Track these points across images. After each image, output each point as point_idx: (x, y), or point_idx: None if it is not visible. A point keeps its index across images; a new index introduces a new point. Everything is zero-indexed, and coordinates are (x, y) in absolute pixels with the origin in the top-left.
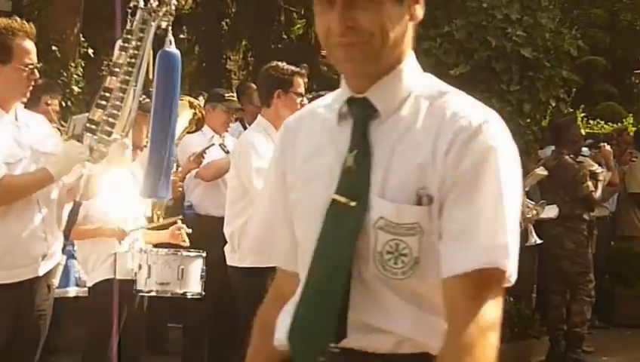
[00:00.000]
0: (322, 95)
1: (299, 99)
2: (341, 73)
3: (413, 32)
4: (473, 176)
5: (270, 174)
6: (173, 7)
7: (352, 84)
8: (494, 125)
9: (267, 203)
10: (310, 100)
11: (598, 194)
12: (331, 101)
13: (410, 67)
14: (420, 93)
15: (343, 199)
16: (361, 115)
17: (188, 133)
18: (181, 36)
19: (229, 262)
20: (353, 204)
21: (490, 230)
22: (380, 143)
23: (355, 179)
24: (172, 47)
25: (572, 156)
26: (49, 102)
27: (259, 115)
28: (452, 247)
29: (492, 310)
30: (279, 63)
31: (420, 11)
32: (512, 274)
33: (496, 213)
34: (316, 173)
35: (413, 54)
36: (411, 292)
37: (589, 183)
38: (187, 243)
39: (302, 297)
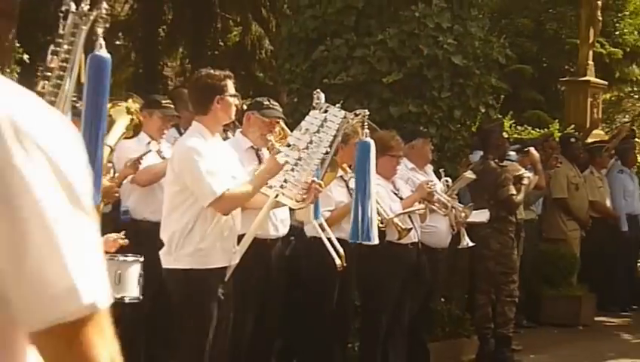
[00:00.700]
0: (259, 101)
1: (233, 101)
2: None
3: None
4: None
5: None
6: (104, 11)
7: None
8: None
9: None
10: (249, 106)
11: (519, 197)
12: None
13: None
14: None
15: None
16: None
17: (125, 138)
18: (117, 42)
19: (164, 265)
20: None
21: (51, 268)
22: None
23: None
24: (102, 51)
25: (496, 161)
26: None
27: (194, 121)
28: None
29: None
30: (210, 70)
31: None
32: (102, 301)
33: (49, 240)
34: None
35: None
36: None
37: (510, 187)
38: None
39: None
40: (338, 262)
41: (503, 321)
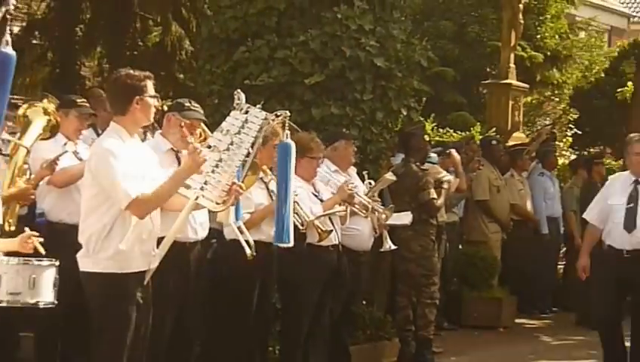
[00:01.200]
0: (180, 102)
1: (153, 102)
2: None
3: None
4: None
5: None
6: (12, 7)
7: None
8: None
9: None
10: (169, 107)
11: (440, 201)
12: None
13: None
14: None
15: None
16: None
17: (42, 139)
18: (34, 42)
19: (82, 268)
20: None
21: None
22: None
23: None
24: (7, 48)
25: (418, 164)
26: None
27: (112, 122)
28: None
29: None
30: (129, 71)
31: None
32: None
33: None
34: None
35: None
36: None
37: (431, 190)
38: (43, 252)
39: None
40: (248, 251)
41: (423, 324)
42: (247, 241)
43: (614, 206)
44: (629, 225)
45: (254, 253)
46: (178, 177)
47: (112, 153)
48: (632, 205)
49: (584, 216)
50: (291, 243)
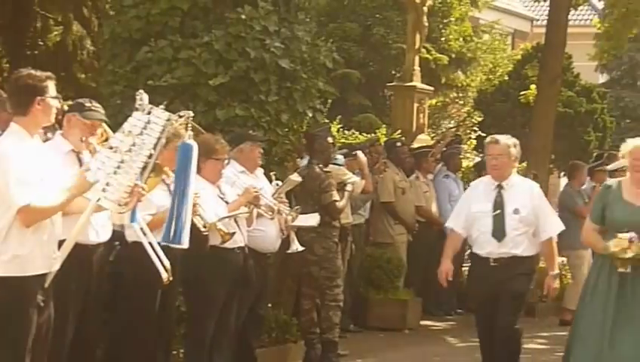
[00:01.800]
0: (81, 103)
1: (54, 103)
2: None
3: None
4: None
5: None
6: None
7: None
8: None
9: None
10: (70, 108)
11: (342, 203)
12: None
13: None
14: None
15: None
16: None
17: None
18: None
19: None
20: None
21: None
22: None
23: None
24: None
25: (321, 166)
26: None
27: (12, 123)
28: None
29: None
30: (31, 71)
31: None
32: None
33: None
34: None
35: None
36: None
37: (334, 193)
38: None
39: None
40: (164, 275)
41: (328, 326)
42: (161, 262)
43: (479, 213)
44: (498, 234)
45: (171, 278)
46: (70, 195)
47: (7, 156)
48: (498, 212)
49: (447, 224)
50: (185, 245)
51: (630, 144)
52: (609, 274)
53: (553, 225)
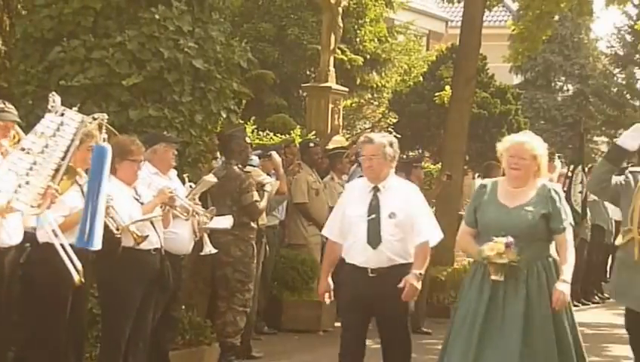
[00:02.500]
0: None
1: None
2: None
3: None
4: None
5: None
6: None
7: None
8: None
9: None
10: None
11: (263, 204)
12: None
13: None
14: None
15: None
16: None
17: None
18: None
19: None
20: None
21: None
22: None
23: None
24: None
25: (240, 166)
26: None
27: None
28: None
29: None
30: None
31: None
32: None
33: None
34: None
35: None
36: None
37: (254, 193)
38: None
39: None
40: (76, 277)
41: (233, 330)
42: (73, 264)
43: (353, 218)
44: (374, 240)
45: (82, 279)
46: None
47: None
48: (374, 216)
49: (322, 232)
50: (98, 247)
51: (506, 141)
52: (481, 282)
53: (430, 230)
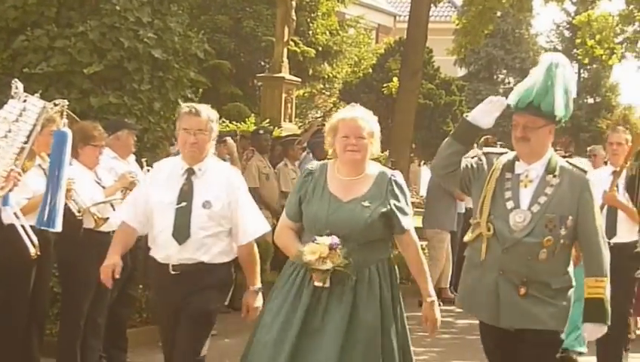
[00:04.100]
0: None
1: None
2: None
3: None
4: None
5: None
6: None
7: None
8: None
9: None
10: None
11: None
12: None
13: None
14: None
15: None
16: None
17: None
18: None
19: None
20: None
21: None
22: None
23: None
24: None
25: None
26: None
27: None
28: None
29: None
30: None
31: None
32: None
33: None
34: None
35: None
36: None
37: None
38: None
39: None
40: (32, 250)
41: None
42: (30, 239)
43: (158, 204)
44: (181, 234)
45: (38, 252)
46: None
47: None
48: (184, 204)
49: (117, 214)
50: (58, 229)
51: (335, 118)
52: (300, 286)
53: (255, 226)
